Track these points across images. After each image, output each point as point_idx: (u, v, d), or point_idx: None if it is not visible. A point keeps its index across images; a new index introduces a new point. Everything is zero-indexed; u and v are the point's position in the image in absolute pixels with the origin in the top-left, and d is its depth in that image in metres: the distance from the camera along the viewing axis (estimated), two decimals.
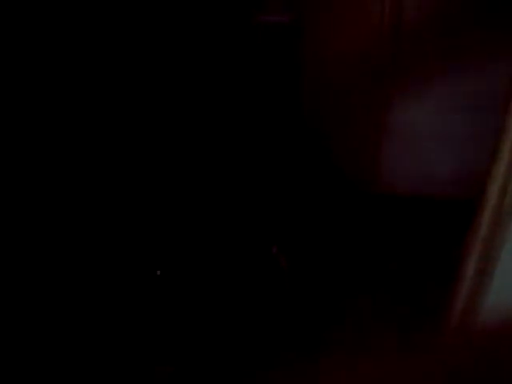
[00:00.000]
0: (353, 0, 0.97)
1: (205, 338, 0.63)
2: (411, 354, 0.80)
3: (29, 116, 0.46)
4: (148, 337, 0.63)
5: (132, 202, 0.49)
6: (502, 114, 0.84)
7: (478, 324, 0.77)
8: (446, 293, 0.92)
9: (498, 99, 0.95)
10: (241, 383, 0.70)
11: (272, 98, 0.58)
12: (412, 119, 1.23)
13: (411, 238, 1.05)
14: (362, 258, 0.98)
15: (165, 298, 0.58)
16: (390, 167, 1.14)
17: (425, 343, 0.83)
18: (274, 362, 0.75)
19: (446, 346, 0.79)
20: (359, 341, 0.89)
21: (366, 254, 0.98)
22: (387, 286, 0.99)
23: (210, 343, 0.63)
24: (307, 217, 0.84)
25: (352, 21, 0.99)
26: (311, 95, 1.10)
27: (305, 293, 0.80)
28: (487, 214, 0.91)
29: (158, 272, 0.56)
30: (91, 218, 0.53)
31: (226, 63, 0.46)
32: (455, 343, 0.82)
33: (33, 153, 0.48)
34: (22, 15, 0.44)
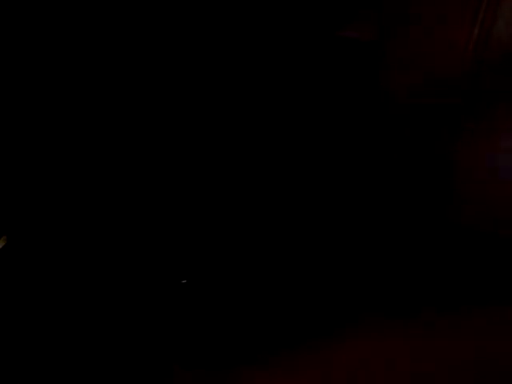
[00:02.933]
0: (438, 28, 0.91)
1: (221, 340, 0.62)
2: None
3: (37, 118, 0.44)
4: (168, 338, 0.62)
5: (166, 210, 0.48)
6: None
7: None
8: None
9: None
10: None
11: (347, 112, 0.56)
12: (489, 157, 1.16)
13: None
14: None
15: (189, 304, 0.58)
16: (467, 202, 1.09)
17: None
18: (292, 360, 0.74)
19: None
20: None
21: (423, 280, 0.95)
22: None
23: (226, 346, 0.63)
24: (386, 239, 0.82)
25: (434, 48, 0.93)
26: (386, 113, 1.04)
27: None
28: None
29: (184, 281, 0.55)
30: (121, 224, 0.52)
31: (301, 78, 0.44)
32: None
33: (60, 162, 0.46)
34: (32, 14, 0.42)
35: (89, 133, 0.43)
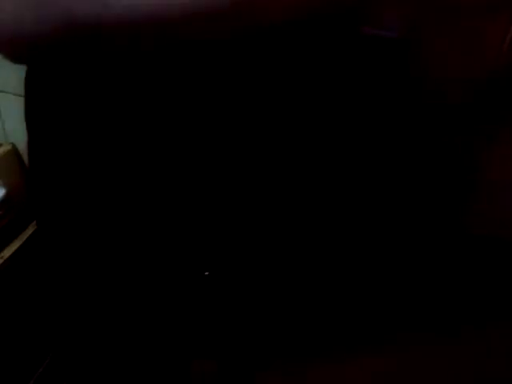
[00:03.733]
0: (471, 26, 0.88)
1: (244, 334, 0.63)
2: None
3: None
4: (188, 332, 0.63)
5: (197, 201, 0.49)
6: None
7: None
8: None
9: None
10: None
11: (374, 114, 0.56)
12: None
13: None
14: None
15: (212, 297, 0.58)
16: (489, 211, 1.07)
17: None
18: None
19: None
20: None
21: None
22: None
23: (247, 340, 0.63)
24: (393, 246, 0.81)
25: (465, 48, 0.91)
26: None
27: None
28: None
29: (207, 273, 0.56)
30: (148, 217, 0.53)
31: (326, 78, 0.45)
32: None
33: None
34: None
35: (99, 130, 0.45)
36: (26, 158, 0.87)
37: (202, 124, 0.50)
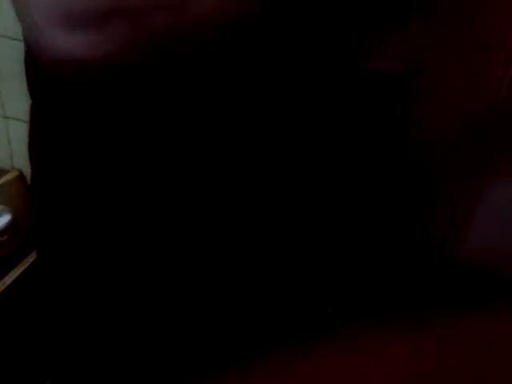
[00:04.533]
0: (468, 66, 0.88)
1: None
2: None
3: None
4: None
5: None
6: None
7: None
8: None
9: None
10: None
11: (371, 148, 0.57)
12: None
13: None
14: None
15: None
16: (480, 241, 1.06)
17: None
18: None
19: None
20: None
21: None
22: None
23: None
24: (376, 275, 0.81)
25: (461, 87, 0.90)
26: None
27: None
28: None
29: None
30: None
31: (325, 110, 0.45)
32: None
33: None
34: None
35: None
36: None
37: (204, 129, 0.50)
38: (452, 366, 0.57)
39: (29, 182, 1.16)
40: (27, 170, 1.16)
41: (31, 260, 1.08)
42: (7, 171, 1.15)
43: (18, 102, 1.10)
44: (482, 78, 0.91)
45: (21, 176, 1.16)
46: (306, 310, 0.63)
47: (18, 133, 1.15)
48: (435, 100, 0.89)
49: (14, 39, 1.04)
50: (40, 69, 0.53)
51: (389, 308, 0.88)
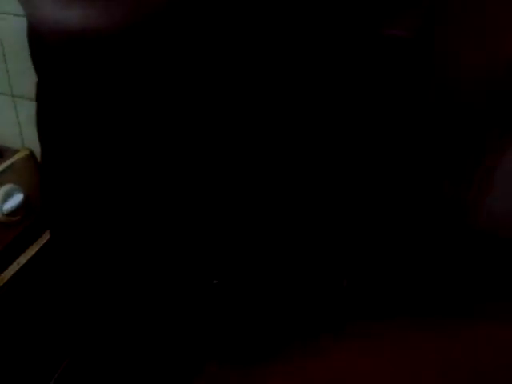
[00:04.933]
0: (490, 27, 0.86)
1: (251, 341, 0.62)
2: None
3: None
4: (197, 337, 0.62)
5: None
6: None
7: None
8: None
9: None
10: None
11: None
12: None
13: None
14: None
15: (220, 305, 0.58)
16: (498, 207, 1.05)
17: None
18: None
19: None
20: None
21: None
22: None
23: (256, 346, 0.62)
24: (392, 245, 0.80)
25: (480, 53, 0.88)
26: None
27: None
28: None
29: (215, 281, 0.55)
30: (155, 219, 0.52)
31: (347, 79, 0.43)
32: None
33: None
34: None
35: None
36: None
37: (206, 128, 0.49)
38: (457, 365, 0.56)
39: (39, 161, 1.16)
40: (38, 149, 1.16)
41: (45, 240, 1.08)
42: (17, 150, 1.15)
43: (26, 81, 1.08)
44: (496, 43, 0.88)
45: (31, 155, 1.15)
46: (323, 281, 0.62)
47: (27, 112, 1.14)
48: (449, 64, 0.86)
49: (17, 15, 1.02)
50: (43, 44, 0.52)
51: (406, 284, 0.87)
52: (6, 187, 1.05)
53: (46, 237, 1.08)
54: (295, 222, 0.58)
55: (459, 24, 0.82)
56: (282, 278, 0.61)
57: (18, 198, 1.06)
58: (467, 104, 0.89)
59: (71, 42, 0.41)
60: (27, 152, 1.14)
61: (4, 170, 1.07)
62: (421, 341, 0.65)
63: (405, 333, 0.66)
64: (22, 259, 1.02)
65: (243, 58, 0.45)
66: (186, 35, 0.41)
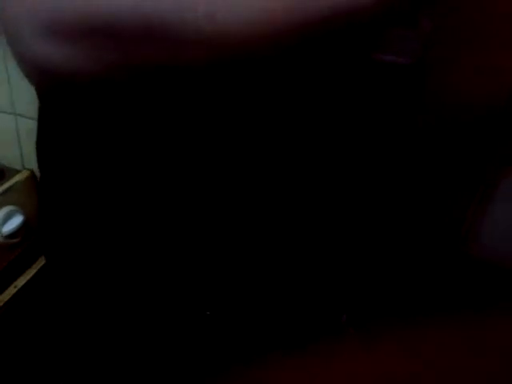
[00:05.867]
0: (483, 53, 0.86)
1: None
2: None
3: None
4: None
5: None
6: None
7: None
8: None
9: None
10: None
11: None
12: None
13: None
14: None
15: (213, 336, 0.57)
16: (493, 232, 1.05)
17: None
18: None
19: None
20: None
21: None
22: None
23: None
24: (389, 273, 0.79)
25: (475, 76, 0.89)
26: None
27: None
28: None
29: (208, 312, 0.54)
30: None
31: (337, 104, 0.43)
32: None
33: None
34: None
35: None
36: None
37: (204, 134, 0.48)
38: (459, 366, 0.55)
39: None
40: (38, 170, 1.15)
41: (43, 262, 1.07)
42: (18, 171, 1.14)
43: (29, 100, 1.08)
44: (498, 72, 0.87)
45: (32, 176, 1.15)
46: (320, 316, 0.61)
47: (29, 131, 1.14)
48: (445, 90, 0.86)
49: None
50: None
51: (402, 309, 0.85)
52: (6, 209, 1.04)
53: (43, 259, 1.07)
54: (291, 245, 0.57)
55: (456, 54, 0.82)
56: (278, 313, 0.60)
57: (17, 220, 1.05)
58: (463, 130, 0.89)
59: (58, 85, 0.40)
60: (28, 173, 1.14)
61: (4, 192, 1.06)
62: (422, 340, 0.63)
63: (406, 331, 0.64)
64: (20, 282, 1.01)
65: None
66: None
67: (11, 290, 0.98)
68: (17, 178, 1.11)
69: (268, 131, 0.49)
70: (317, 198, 0.55)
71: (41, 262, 1.07)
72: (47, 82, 0.41)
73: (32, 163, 1.15)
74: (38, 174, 1.17)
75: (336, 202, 0.57)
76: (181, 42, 0.36)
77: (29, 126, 1.12)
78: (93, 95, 0.44)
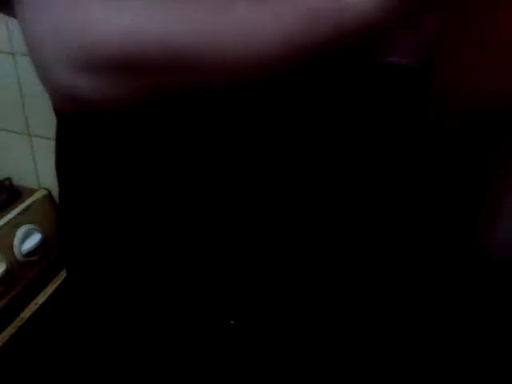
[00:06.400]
0: (489, 52, 0.86)
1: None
2: None
3: None
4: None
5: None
6: None
7: None
8: None
9: None
10: None
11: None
12: None
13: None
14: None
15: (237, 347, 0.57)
16: (505, 232, 1.05)
17: None
18: None
19: None
20: None
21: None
22: None
23: None
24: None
25: (483, 73, 0.89)
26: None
27: None
28: None
29: (232, 322, 0.54)
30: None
31: (341, 107, 0.43)
32: None
33: None
34: None
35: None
36: None
37: (208, 131, 0.49)
38: None
39: (57, 201, 1.17)
40: (54, 189, 1.17)
41: (61, 278, 1.08)
42: (35, 190, 1.16)
43: (43, 120, 1.10)
44: (500, 72, 0.88)
45: (49, 195, 1.17)
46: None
47: (44, 151, 1.16)
48: (450, 93, 0.86)
49: None
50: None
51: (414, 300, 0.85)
52: (25, 228, 1.06)
53: (62, 275, 1.09)
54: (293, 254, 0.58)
55: (461, 56, 0.83)
56: (279, 264, 0.60)
57: (36, 238, 1.07)
58: (468, 131, 0.90)
59: (80, 111, 0.42)
60: (45, 192, 1.16)
61: (23, 211, 1.08)
62: None
63: None
64: (40, 299, 1.02)
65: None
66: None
67: (32, 307, 0.99)
68: (34, 197, 1.13)
69: (270, 133, 0.50)
70: (321, 200, 0.56)
71: (59, 278, 1.08)
72: (72, 109, 0.42)
73: (48, 182, 1.17)
74: (54, 192, 1.20)
75: (341, 203, 0.58)
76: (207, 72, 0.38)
77: (44, 146, 1.15)
78: (113, 119, 0.46)
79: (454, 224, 1.04)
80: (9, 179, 1.16)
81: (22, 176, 1.20)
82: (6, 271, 0.98)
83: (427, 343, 0.90)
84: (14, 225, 1.05)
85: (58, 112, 0.52)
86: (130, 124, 0.47)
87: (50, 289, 1.05)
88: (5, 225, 1.04)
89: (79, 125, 0.53)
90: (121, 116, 0.44)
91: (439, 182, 0.98)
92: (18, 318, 0.97)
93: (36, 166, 1.19)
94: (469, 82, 0.92)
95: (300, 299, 0.60)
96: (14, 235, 1.04)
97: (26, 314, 0.98)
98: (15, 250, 1.04)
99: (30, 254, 1.05)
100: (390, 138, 0.60)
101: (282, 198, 0.52)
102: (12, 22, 1.04)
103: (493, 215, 1.02)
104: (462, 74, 0.92)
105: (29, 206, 1.10)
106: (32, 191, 1.16)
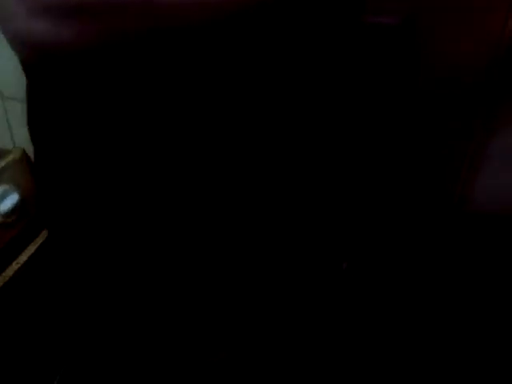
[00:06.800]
0: (469, 14, 0.86)
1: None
2: None
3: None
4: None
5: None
6: None
7: None
8: None
9: None
10: None
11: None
12: None
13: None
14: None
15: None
16: (487, 186, 1.06)
17: None
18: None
19: None
20: None
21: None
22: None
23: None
24: (385, 229, 0.79)
25: (464, 34, 0.88)
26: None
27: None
28: None
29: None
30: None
31: (328, 69, 0.42)
32: None
33: None
34: None
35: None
36: None
37: (203, 125, 0.49)
38: None
39: (33, 160, 1.15)
40: (29, 148, 1.15)
41: (43, 238, 1.08)
42: (10, 151, 1.14)
43: (16, 82, 1.08)
44: (481, 31, 0.88)
45: (24, 154, 1.15)
46: (322, 264, 0.63)
47: (18, 112, 1.14)
48: (432, 51, 0.86)
49: None
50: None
51: (400, 256, 0.87)
52: (1, 188, 1.05)
53: (43, 236, 1.09)
54: (294, 212, 0.58)
55: (446, 10, 0.83)
56: (280, 260, 0.62)
57: (13, 199, 1.06)
58: (454, 88, 0.90)
59: (43, 57, 0.43)
60: (20, 152, 1.14)
61: None
62: None
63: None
64: (21, 258, 1.03)
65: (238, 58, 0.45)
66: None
67: (14, 267, 1.00)
68: (9, 157, 1.11)
69: (262, 110, 0.50)
70: (313, 159, 0.56)
71: (41, 238, 1.08)
72: (37, 57, 0.43)
73: (25, 142, 1.16)
74: (29, 151, 1.18)
75: (332, 159, 0.58)
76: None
77: (18, 107, 1.13)
78: (79, 70, 0.45)
79: (436, 177, 1.05)
80: None
81: None
82: None
83: (410, 302, 0.91)
84: None
85: (25, 67, 0.52)
86: (98, 78, 0.47)
87: (31, 249, 1.06)
88: None
89: (50, 83, 0.53)
90: (88, 70, 0.44)
91: (421, 136, 0.99)
92: (0, 278, 0.98)
93: (10, 127, 1.17)
94: (449, 44, 0.92)
95: (300, 297, 0.60)
96: None
97: (8, 272, 0.99)
98: None
99: (7, 214, 1.05)
100: (377, 95, 0.60)
101: (279, 185, 0.53)
102: None
103: (474, 167, 1.04)
104: (443, 36, 0.91)
105: (4, 167, 1.08)
106: (7, 152, 1.14)
